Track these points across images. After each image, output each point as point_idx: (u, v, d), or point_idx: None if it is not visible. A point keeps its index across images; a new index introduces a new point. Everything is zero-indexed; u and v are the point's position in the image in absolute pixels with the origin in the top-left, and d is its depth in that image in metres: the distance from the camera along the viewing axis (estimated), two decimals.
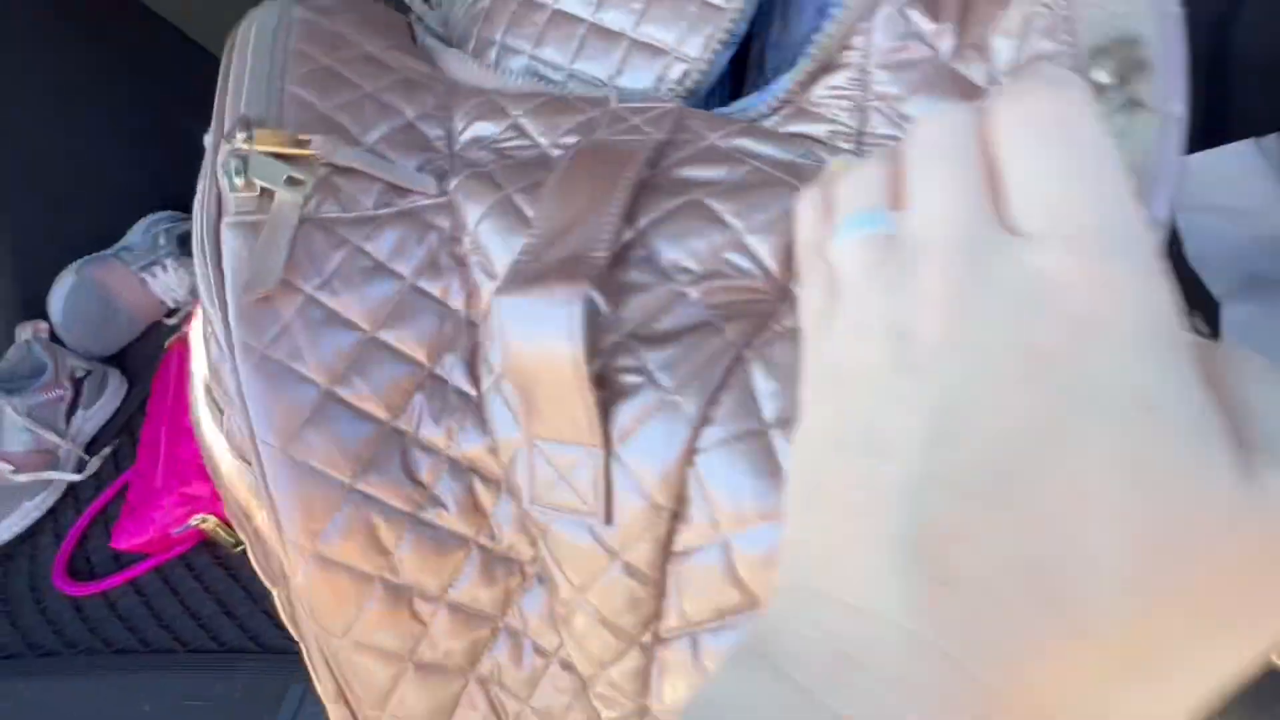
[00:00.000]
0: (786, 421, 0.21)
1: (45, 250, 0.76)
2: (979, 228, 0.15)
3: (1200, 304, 0.45)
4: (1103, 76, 0.18)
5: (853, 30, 0.24)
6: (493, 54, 0.33)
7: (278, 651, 0.50)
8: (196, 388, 0.28)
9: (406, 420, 0.26)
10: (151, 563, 0.58)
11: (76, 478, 0.66)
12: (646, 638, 0.24)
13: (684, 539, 0.22)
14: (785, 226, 0.23)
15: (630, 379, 0.23)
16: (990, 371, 0.14)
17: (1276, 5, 0.45)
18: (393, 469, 0.26)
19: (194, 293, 0.79)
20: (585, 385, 0.22)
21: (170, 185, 0.83)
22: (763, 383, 0.21)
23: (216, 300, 0.26)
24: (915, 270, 0.15)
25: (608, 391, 0.23)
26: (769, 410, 0.21)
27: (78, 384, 0.69)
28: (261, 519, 0.27)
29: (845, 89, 0.25)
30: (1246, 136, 0.47)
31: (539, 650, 0.27)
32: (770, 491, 0.21)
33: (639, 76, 0.31)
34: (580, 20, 0.32)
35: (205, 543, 0.59)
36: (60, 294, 0.74)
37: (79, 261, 0.76)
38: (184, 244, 0.79)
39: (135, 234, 0.80)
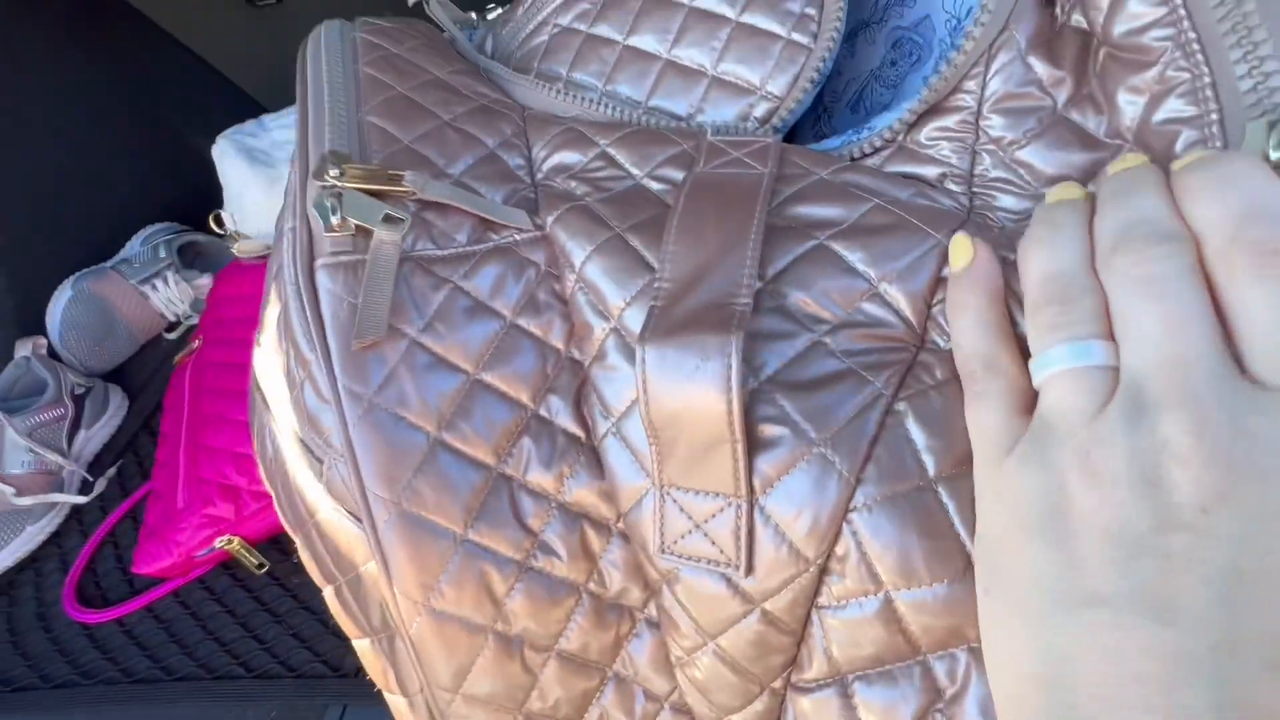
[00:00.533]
0: (951, 478, 0.19)
1: (41, 263, 0.69)
2: (1220, 375, 0.14)
3: None
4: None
5: (967, 75, 0.23)
6: (559, 87, 0.31)
7: (310, 676, 0.46)
8: (283, 436, 0.25)
9: (514, 465, 0.24)
10: (168, 586, 0.53)
11: (82, 500, 0.60)
12: (778, 683, 0.23)
13: (835, 591, 0.21)
14: (921, 277, 0.22)
15: (771, 429, 0.21)
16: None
17: None
18: (503, 516, 0.24)
19: (196, 307, 0.74)
20: (739, 438, 0.20)
21: (169, 195, 0.77)
22: (920, 437, 0.20)
23: (319, 347, 0.23)
24: (1156, 416, 0.14)
25: (747, 441, 0.21)
26: (931, 465, 0.20)
27: (78, 402, 0.63)
28: (369, 569, 0.25)
29: (955, 131, 0.24)
30: None
31: (650, 696, 0.25)
32: (945, 555, 0.19)
33: (721, 113, 0.29)
34: (655, 57, 0.30)
35: (223, 565, 0.54)
36: (57, 308, 0.68)
37: (76, 274, 0.70)
38: (184, 255, 0.74)
39: (134, 245, 0.74)
